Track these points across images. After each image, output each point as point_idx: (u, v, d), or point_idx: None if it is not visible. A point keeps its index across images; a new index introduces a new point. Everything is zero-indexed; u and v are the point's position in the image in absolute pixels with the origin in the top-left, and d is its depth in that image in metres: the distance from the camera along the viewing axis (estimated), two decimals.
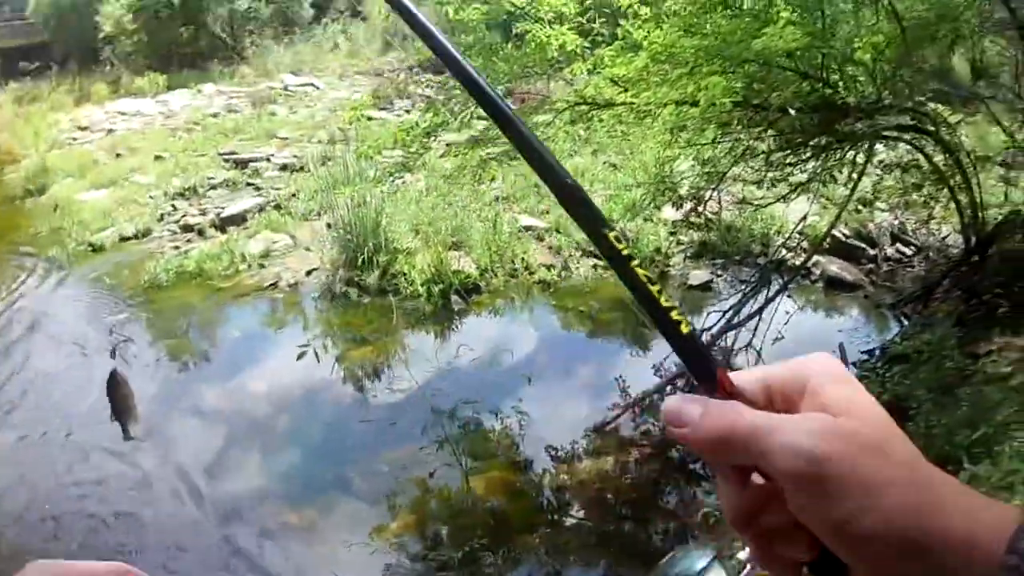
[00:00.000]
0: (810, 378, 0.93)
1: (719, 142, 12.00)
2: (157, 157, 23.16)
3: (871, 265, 16.59)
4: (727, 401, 0.91)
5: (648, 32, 10.89)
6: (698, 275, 15.59)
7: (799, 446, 0.83)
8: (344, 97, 30.22)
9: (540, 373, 12.78)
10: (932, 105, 13.85)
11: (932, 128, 12.60)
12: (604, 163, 20.06)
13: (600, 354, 13.80)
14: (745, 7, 11.21)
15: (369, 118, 21.45)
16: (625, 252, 0.98)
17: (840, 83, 11.63)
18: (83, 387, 12.05)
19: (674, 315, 0.96)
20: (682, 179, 12.98)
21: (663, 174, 12.57)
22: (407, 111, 22.71)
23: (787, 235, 15.73)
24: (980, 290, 12.17)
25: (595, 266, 15.69)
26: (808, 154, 12.33)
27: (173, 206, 19.49)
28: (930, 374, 8.48)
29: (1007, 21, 13.61)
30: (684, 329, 0.96)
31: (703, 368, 0.95)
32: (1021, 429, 7.59)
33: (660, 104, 10.25)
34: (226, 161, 22.41)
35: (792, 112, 10.94)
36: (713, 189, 12.86)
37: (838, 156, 12.35)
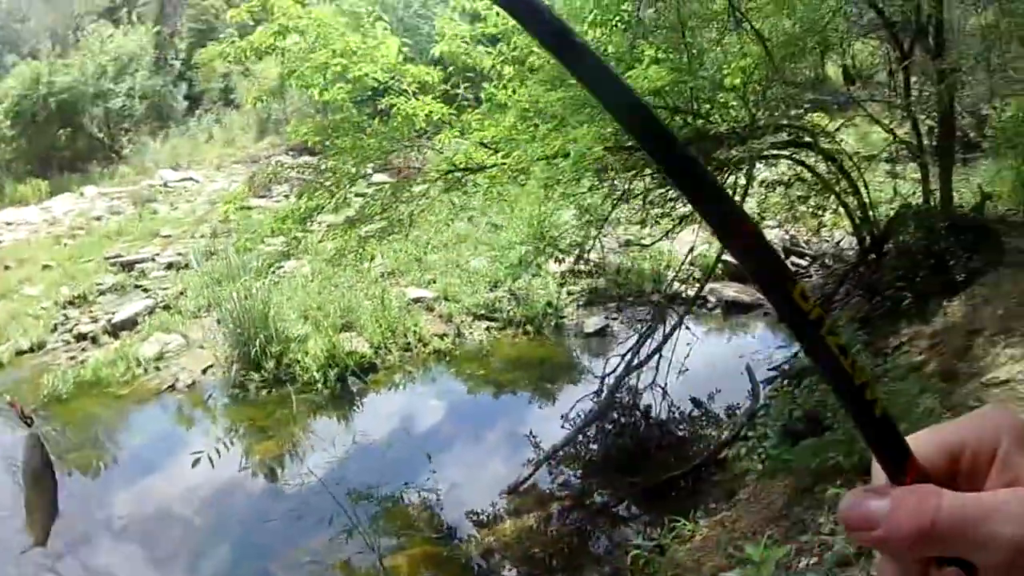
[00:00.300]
0: (1000, 442, 0.80)
1: (596, 189, 12.05)
2: (45, 266, 22.96)
3: None
4: (918, 487, 0.78)
5: (513, 91, 10.95)
6: (593, 322, 15.73)
7: (1017, 537, 0.73)
8: (223, 188, 29.94)
9: (450, 441, 12.75)
10: (812, 116, 14.26)
11: (810, 140, 12.86)
12: (486, 224, 20.17)
13: (507, 413, 13.79)
14: (610, 51, 11.34)
15: (248, 208, 21.25)
16: (814, 315, 0.84)
17: (712, 112, 11.91)
18: None
19: (868, 394, 0.83)
20: (566, 230, 13.06)
21: (542, 229, 12.64)
22: (285, 196, 22.56)
23: (677, 268, 15.75)
24: (881, 287, 12.36)
25: (488, 328, 15.70)
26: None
27: (65, 315, 19.19)
28: None
29: (876, 22, 14.06)
30: (878, 411, 0.82)
31: (896, 453, 0.82)
32: (945, 417, 7.58)
33: (531, 161, 10.28)
34: (112, 265, 22.27)
35: None
36: (594, 237, 12.90)
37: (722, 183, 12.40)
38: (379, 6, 12.44)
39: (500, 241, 18.23)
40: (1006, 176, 15.75)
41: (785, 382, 9.70)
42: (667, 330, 12.14)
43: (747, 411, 11.63)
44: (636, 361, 11.84)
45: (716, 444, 10.96)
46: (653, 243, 14.61)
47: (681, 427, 12.11)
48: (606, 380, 11.84)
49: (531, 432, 12.30)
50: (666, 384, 11.85)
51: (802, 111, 13.72)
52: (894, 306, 11.73)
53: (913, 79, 13.69)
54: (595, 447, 11.63)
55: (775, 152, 12.90)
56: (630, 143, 10.85)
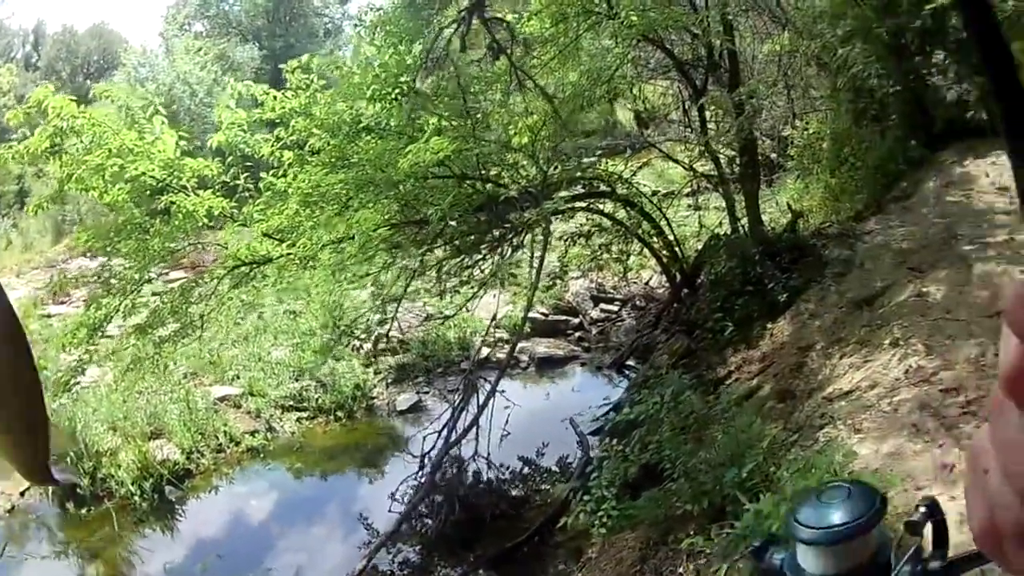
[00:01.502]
0: None
1: (390, 266, 11.89)
2: None
3: (579, 333, 16.83)
4: None
5: (293, 177, 10.72)
6: (404, 399, 15.42)
7: None
8: (24, 295, 28.60)
9: (280, 538, 12.24)
10: (608, 163, 14.43)
11: (607, 188, 12.96)
12: (285, 312, 19.52)
13: (333, 501, 13.38)
14: (391, 124, 11.22)
15: (48, 315, 20.29)
16: None
17: (502, 174, 11.90)
18: None
19: None
20: (363, 312, 12.85)
21: (338, 314, 12.47)
22: (84, 301, 21.68)
23: (484, 333, 15.54)
24: (700, 320, 12.43)
25: (299, 420, 15.26)
26: (484, 253, 12.36)
27: None
28: (673, 430, 8.41)
29: (667, 63, 14.30)
30: None
31: None
32: (787, 447, 7.62)
33: (317, 248, 10.06)
34: None
35: (453, 222, 10.98)
36: (392, 316, 12.71)
37: (514, 245, 12.43)
38: (165, 97, 12.00)
39: (300, 328, 17.83)
40: (814, 190, 16.10)
41: (613, 440, 9.65)
42: (481, 399, 11.82)
43: (579, 467, 11.51)
44: (454, 435, 11.55)
45: (555, 505, 10.78)
46: (453, 315, 14.42)
47: (514, 492, 11.87)
48: (427, 457, 11.56)
49: (362, 515, 11.97)
50: (488, 453, 11.58)
51: (595, 160, 13.89)
52: (716, 337, 11.77)
53: (709, 113, 13.97)
54: (430, 523, 11.25)
55: (571, 206, 12.98)
56: (418, 217, 10.82)
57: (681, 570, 6.91)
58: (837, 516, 1.60)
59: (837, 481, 2.39)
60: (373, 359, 16.51)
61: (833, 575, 1.57)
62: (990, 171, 13.27)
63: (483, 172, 11.70)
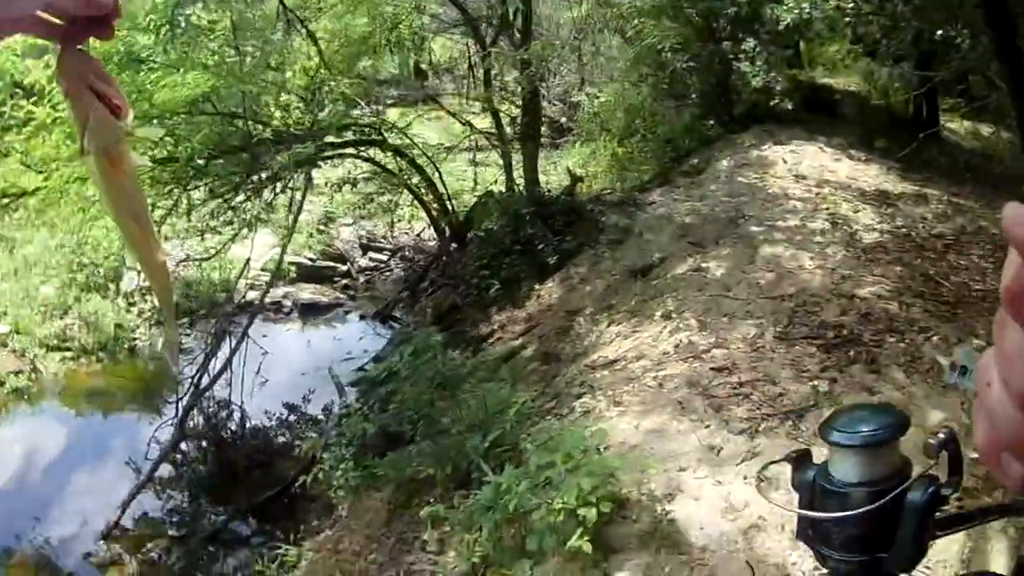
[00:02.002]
0: None
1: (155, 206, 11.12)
2: None
3: (346, 281, 16.29)
4: None
5: (53, 107, 9.86)
6: (163, 341, 14.56)
7: None
8: None
9: (43, 485, 11.32)
10: (389, 112, 13.98)
11: (379, 137, 12.48)
12: (56, 246, 17.82)
13: (99, 443, 12.40)
14: (158, 59, 10.45)
15: None
16: None
17: (273, 116, 11.44)
18: None
19: None
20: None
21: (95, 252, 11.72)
22: None
23: (242, 276, 14.73)
24: (467, 275, 11.99)
25: (63, 360, 14.25)
26: (247, 195, 11.81)
27: None
28: (421, 388, 7.89)
29: (459, 20, 13.91)
30: None
31: None
32: (542, 414, 7.15)
33: (69, 182, 9.25)
34: None
35: (202, 161, 10.43)
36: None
37: (279, 187, 11.96)
38: None
39: (70, 264, 16.60)
40: (601, 157, 15.89)
41: (357, 398, 9.10)
42: (233, 344, 11.31)
43: (335, 420, 10.94)
44: (207, 379, 10.98)
45: (307, 460, 10.26)
46: (210, 257, 13.56)
47: (274, 441, 11.30)
48: (181, 402, 10.87)
49: (127, 461, 11.20)
50: (242, 401, 11.06)
51: (373, 107, 13.47)
52: (482, 294, 11.37)
53: (495, 71, 13.65)
54: (186, 470, 10.86)
55: (339, 152, 12.54)
56: (176, 156, 10.19)
57: (425, 536, 6.47)
58: (866, 426, 1.70)
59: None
60: (136, 299, 15.54)
61: (866, 481, 1.67)
62: (788, 158, 13.16)
63: (252, 111, 11.18)
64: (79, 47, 0.99)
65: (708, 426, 6.21)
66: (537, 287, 11.02)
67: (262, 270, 14.90)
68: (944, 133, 15.21)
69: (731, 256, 9.64)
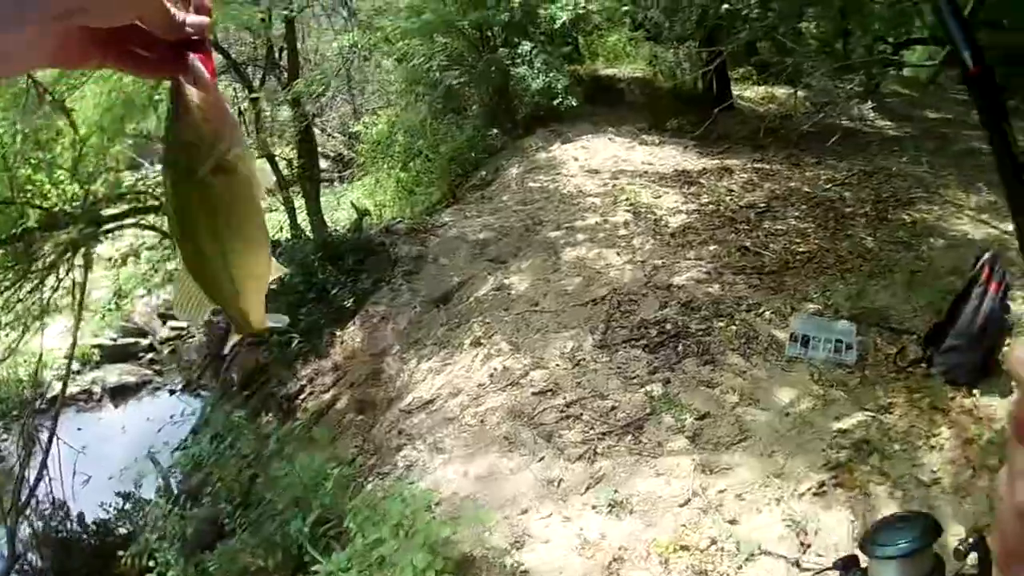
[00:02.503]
0: None
1: None
2: None
3: (151, 355, 15.25)
4: None
5: None
6: None
7: None
8: None
9: None
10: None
11: (155, 203, 11.77)
12: None
13: None
14: None
15: None
16: None
17: (45, 196, 10.76)
18: None
19: None
20: None
21: None
22: None
23: (53, 367, 13.74)
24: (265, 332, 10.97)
25: None
26: (34, 283, 11.06)
27: None
28: (232, 472, 6.94)
29: (223, 66, 13.10)
30: None
31: None
32: (365, 473, 6.48)
33: None
34: None
35: None
36: None
37: (62, 272, 11.13)
38: None
39: None
40: (386, 185, 15.00)
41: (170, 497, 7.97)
42: (45, 446, 10.50)
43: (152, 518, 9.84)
44: (24, 493, 10.16)
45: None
46: (12, 352, 12.19)
47: (105, 542, 10.09)
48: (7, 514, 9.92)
49: None
50: (66, 505, 10.44)
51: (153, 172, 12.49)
52: (284, 350, 10.42)
53: (266, 113, 12.73)
54: None
55: (119, 224, 11.81)
56: None
57: None
58: (903, 537, 2.14)
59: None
60: None
61: None
62: (579, 154, 12.62)
63: (23, 195, 10.34)
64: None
65: (542, 458, 5.61)
66: (339, 333, 10.18)
67: (65, 358, 13.60)
68: (739, 103, 14.82)
69: (533, 267, 9.01)
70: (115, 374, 14.67)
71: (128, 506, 10.49)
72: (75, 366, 14.05)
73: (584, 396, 6.10)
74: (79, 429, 11.59)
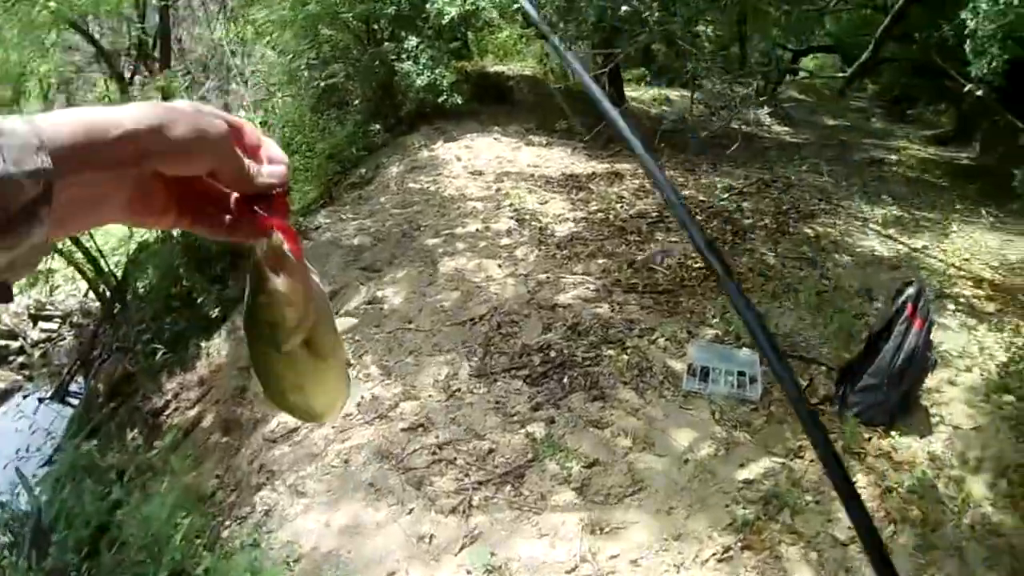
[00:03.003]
0: None
1: None
2: None
3: (22, 358, 14.28)
4: None
5: None
6: None
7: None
8: None
9: None
10: None
11: None
12: None
13: None
14: None
15: None
16: None
17: None
18: None
19: None
20: None
21: None
22: None
23: None
24: (133, 340, 10.36)
25: None
26: None
27: None
28: (81, 517, 6.15)
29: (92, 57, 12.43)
30: None
31: None
32: (223, 517, 5.78)
33: None
34: None
35: None
36: None
37: None
38: None
39: None
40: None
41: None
42: None
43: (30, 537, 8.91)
44: None
45: None
46: None
47: None
48: None
49: None
50: None
51: None
52: (149, 360, 9.79)
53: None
54: None
55: None
56: None
57: None
58: None
59: None
60: None
61: None
62: (463, 154, 11.97)
63: None
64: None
65: (411, 510, 4.96)
66: (204, 344, 9.49)
67: None
68: (632, 106, 14.25)
69: (409, 278, 8.31)
70: None
71: None
72: None
73: (458, 436, 5.45)
74: None
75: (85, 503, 6.32)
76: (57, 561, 6.36)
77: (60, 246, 11.26)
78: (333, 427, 6.09)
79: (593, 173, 10.99)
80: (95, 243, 11.49)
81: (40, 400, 12.83)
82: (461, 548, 4.54)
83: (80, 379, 12.74)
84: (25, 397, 13.21)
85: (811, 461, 5.03)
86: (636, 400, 5.56)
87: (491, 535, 4.60)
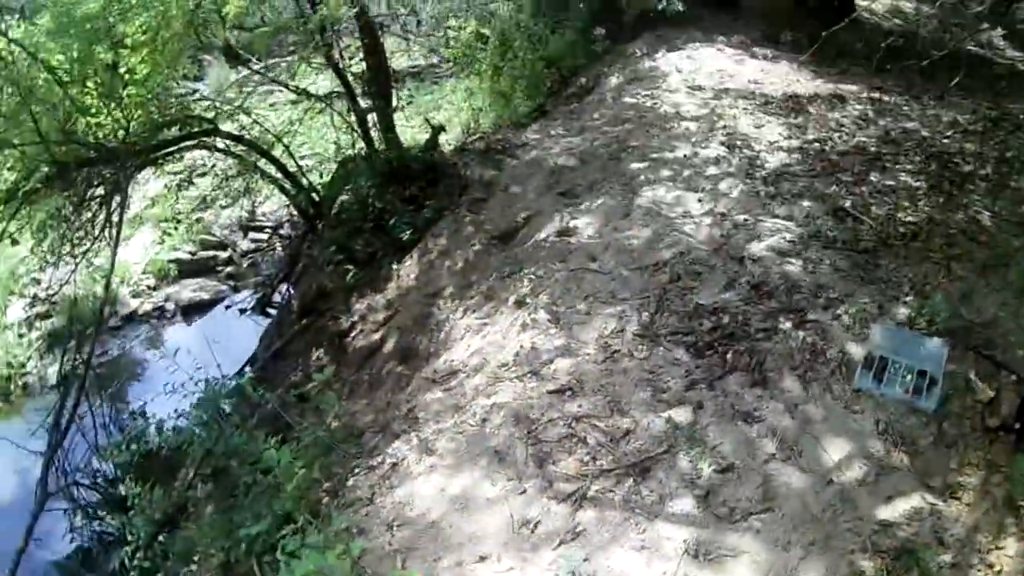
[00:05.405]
0: None
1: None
2: None
3: (230, 268, 14.85)
4: None
5: None
6: (55, 371, 12.72)
7: None
8: None
9: None
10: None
11: (209, 127, 11.02)
12: None
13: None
14: None
15: None
16: None
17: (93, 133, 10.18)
18: None
19: None
20: None
21: None
22: None
23: (130, 283, 13.83)
24: (328, 258, 10.40)
25: None
26: (93, 210, 10.69)
27: None
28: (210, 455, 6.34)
29: None
30: None
31: None
32: (349, 476, 5.61)
33: None
34: None
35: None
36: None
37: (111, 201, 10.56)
38: None
39: None
40: (481, 94, 13.86)
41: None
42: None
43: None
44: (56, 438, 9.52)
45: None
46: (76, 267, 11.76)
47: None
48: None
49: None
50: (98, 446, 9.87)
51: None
52: (343, 279, 9.81)
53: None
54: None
55: (179, 147, 11.25)
56: None
57: None
58: None
59: None
60: (29, 326, 14.00)
61: None
62: (684, 65, 11.31)
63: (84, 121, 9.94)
64: None
65: (524, 490, 4.64)
66: (395, 266, 9.32)
67: (143, 273, 14.17)
68: (863, 16, 13.08)
69: (604, 208, 7.79)
70: (190, 289, 14.33)
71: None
72: (151, 282, 14.54)
73: (600, 409, 5.04)
74: (149, 349, 11.98)
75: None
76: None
77: (259, 162, 11.55)
78: (487, 375, 5.87)
79: (815, 94, 10.14)
80: (296, 162, 11.72)
81: (241, 311, 13.38)
82: (559, 544, 4.27)
83: (282, 291, 13.11)
84: (227, 308, 13.84)
85: (968, 504, 4.33)
86: (798, 392, 4.97)
87: (593, 536, 4.29)
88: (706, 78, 10.84)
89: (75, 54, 9.55)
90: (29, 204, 10.07)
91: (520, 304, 6.65)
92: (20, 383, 13.04)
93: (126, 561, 6.37)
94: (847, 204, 7.19)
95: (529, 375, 5.57)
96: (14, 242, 11.74)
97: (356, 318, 9.20)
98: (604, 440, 4.81)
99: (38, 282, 14.30)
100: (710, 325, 5.59)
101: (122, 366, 12.91)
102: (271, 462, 5.21)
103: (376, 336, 8.65)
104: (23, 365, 13.32)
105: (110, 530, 9.40)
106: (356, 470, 5.58)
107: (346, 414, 7.02)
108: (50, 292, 13.28)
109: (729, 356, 5.25)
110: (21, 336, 13.82)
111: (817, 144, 8.61)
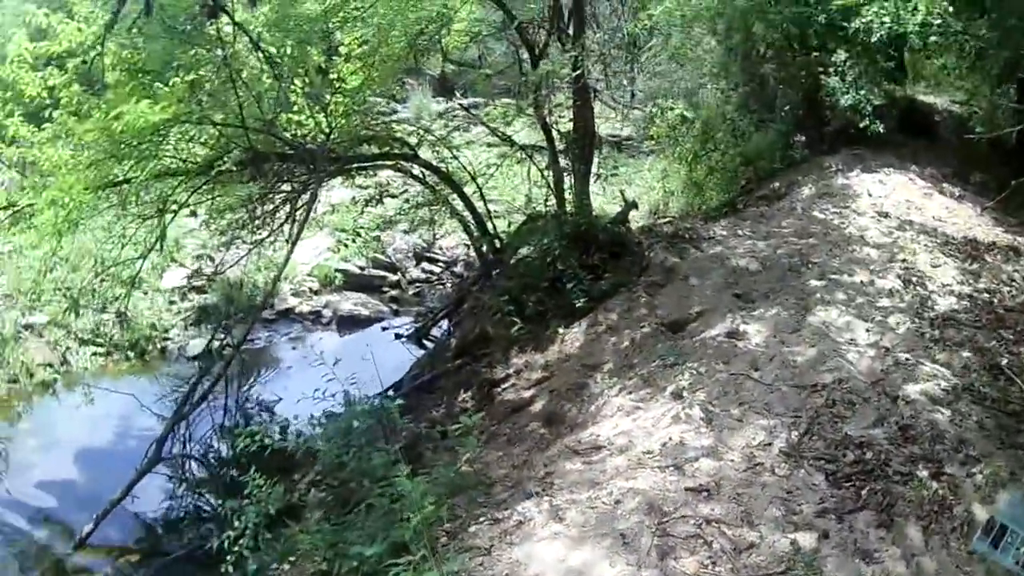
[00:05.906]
0: None
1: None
2: None
3: (395, 292, 15.48)
4: None
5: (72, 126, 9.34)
6: (196, 344, 13.53)
7: None
8: None
9: (46, 482, 10.85)
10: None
11: (409, 151, 11.66)
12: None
13: (119, 442, 11.89)
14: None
15: None
16: None
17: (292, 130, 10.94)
18: None
19: None
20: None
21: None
22: None
23: (294, 280, 14.74)
24: (495, 305, 10.72)
25: (95, 354, 13.62)
26: (276, 204, 11.23)
27: None
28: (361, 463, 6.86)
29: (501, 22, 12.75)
30: None
31: None
32: (473, 521, 5.92)
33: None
34: None
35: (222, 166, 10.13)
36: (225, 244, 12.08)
37: (298, 199, 11.19)
38: None
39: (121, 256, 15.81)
40: (675, 178, 14.35)
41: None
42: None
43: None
44: (187, 408, 10.31)
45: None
46: (250, 251, 12.40)
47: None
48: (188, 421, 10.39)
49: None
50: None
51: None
52: (508, 330, 10.16)
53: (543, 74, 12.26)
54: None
55: (375, 164, 12.14)
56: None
57: None
58: None
59: None
60: (179, 297, 15.01)
61: None
62: (875, 189, 11.53)
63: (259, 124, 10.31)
64: None
65: None
66: (562, 330, 9.63)
67: (308, 275, 14.95)
68: None
69: (776, 318, 8.08)
70: (351, 303, 14.94)
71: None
72: (314, 285, 15.45)
73: (733, 515, 5.27)
74: (293, 349, 12.77)
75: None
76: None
77: (450, 197, 12.04)
78: (631, 458, 6.14)
79: (993, 243, 10.23)
80: (486, 205, 12.14)
81: (397, 336, 13.78)
82: None
83: (442, 326, 13.48)
84: (384, 329, 14.30)
85: None
86: (919, 542, 5.12)
87: None
88: (894, 206, 11.00)
89: (288, 50, 10.25)
90: (217, 184, 10.63)
91: (677, 396, 6.98)
92: (160, 346, 14.16)
93: (227, 544, 6.70)
94: (1003, 362, 7.30)
95: (671, 467, 5.85)
96: (193, 213, 12.78)
97: (511, 371, 9.58)
98: (728, 547, 5.01)
99: (201, 258, 15.52)
100: (853, 457, 5.86)
101: (264, 357, 13.59)
102: (403, 490, 5.66)
103: (527, 393, 9.01)
104: (167, 331, 14.45)
105: (207, 508, 10.03)
106: (481, 519, 5.88)
107: (479, 461, 7.30)
108: (215, 270, 14.44)
109: (864, 492, 5.43)
110: (172, 303, 14.96)
111: (987, 295, 8.73)
